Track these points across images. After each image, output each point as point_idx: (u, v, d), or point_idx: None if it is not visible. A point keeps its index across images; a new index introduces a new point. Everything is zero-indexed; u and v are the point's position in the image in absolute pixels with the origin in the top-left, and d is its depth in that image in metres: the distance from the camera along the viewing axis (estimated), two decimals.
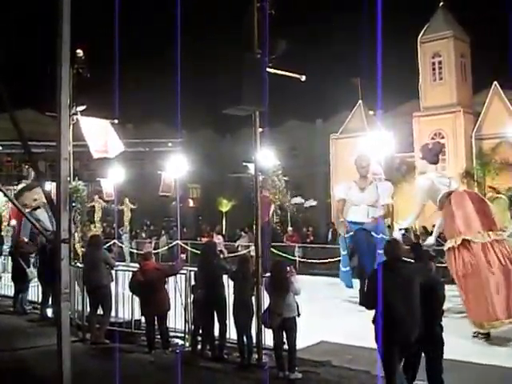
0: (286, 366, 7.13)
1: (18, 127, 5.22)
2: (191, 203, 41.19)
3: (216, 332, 8.24)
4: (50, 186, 10.26)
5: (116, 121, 13.08)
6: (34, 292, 12.52)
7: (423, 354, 5.96)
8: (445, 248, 9.73)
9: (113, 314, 9.66)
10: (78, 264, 10.83)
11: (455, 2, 29.54)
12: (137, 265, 10.12)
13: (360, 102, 31.40)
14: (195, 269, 8.72)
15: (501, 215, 12.71)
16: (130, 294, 9.09)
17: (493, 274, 8.83)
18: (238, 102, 7.49)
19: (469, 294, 8.99)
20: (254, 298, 7.79)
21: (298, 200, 18.39)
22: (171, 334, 8.93)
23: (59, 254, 4.63)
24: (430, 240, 11.14)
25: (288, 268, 7.53)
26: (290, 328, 7.14)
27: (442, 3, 28.92)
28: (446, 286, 6.39)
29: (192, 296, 8.61)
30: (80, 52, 11.71)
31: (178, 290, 8.97)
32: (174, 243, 22.95)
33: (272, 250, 19.32)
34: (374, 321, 5.60)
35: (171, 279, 8.91)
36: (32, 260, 12.85)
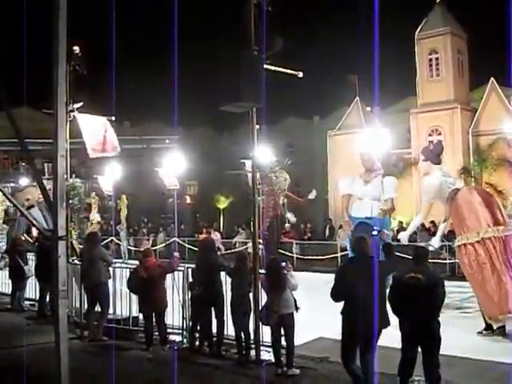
0: (283, 362, 7.16)
1: (14, 125, 5.20)
2: (188, 200, 41.18)
3: (214, 329, 8.26)
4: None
5: (113, 118, 13.06)
6: (32, 289, 12.52)
7: (419, 350, 6.00)
8: (455, 245, 9.72)
9: (111, 311, 9.66)
10: (76, 261, 10.82)
11: None
12: (134, 262, 10.13)
13: (357, 98, 31.39)
14: (193, 266, 8.73)
15: None
16: (128, 290, 9.08)
17: (496, 268, 8.86)
18: (235, 98, 7.49)
19: (479, 289, 9.02)
20: (251, 295, 7.81)
21: (291, 218, 18.28)
22: (169, 330, 8.94)
23: (56, 252, 4.62)
24: (435, 241, 11.12)
25: (284, 264, 7.54)
26: (288, 324, 7.15)
27: (438, 0, 28.91)
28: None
29: (190, 293, 8.62)
30: (77, 49, 11.66)
31: (175, 286, 8.99)
32: (172, 240, 22.96)
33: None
34: (343, 312, 6.03)
35: (168, 276, 8.92)
36: (29, 257, 12.85)
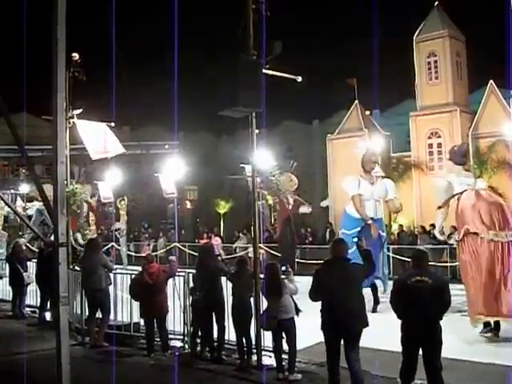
0: (285, 367, 7.13)
1: (14, 131, 5.21)
2: (189, 205, 41.15)
3: (215, 334, 8.24)
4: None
5: (112, 123, 13.08)
6: (33, 296, 12.50)
7: (421, 353, 5.98)
8: (457, 238, 9.73)
9: (112, 317, 9.65)
10: (77, 267, 10.80)
11: (450, 2, 29.55)
12: (134, 268, 10.11)
13: (356, 102, 31.42)
14: (193, 271, 8.71)
15: None
16: (129, 296, 9.07)
17: (494, 270, 8.85)
18: (234, 103, 7.49)
19: (470, 287, 9.02)
20: (252, 300, 7.79)
21: (305, 209, 18.12)
22: (170, 336, 8.92)
23: (57, 258, 4.61)
24: (436, 232, 11.44)
25: (284, 268, 7.52)
26: (288, 329, 7.13)
27: (436, 2, 28.99)
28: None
29: (190, 298, 8.61)
30: (76, 55, 11.69)
31: (176, 292, 8.97)
32: (172, 245, 22.95)
33: (270, 251, 19.36)
34: (321, 311, 6.27)
35: (169, 281, 8.90)
36: (29, 264, 12.83)
